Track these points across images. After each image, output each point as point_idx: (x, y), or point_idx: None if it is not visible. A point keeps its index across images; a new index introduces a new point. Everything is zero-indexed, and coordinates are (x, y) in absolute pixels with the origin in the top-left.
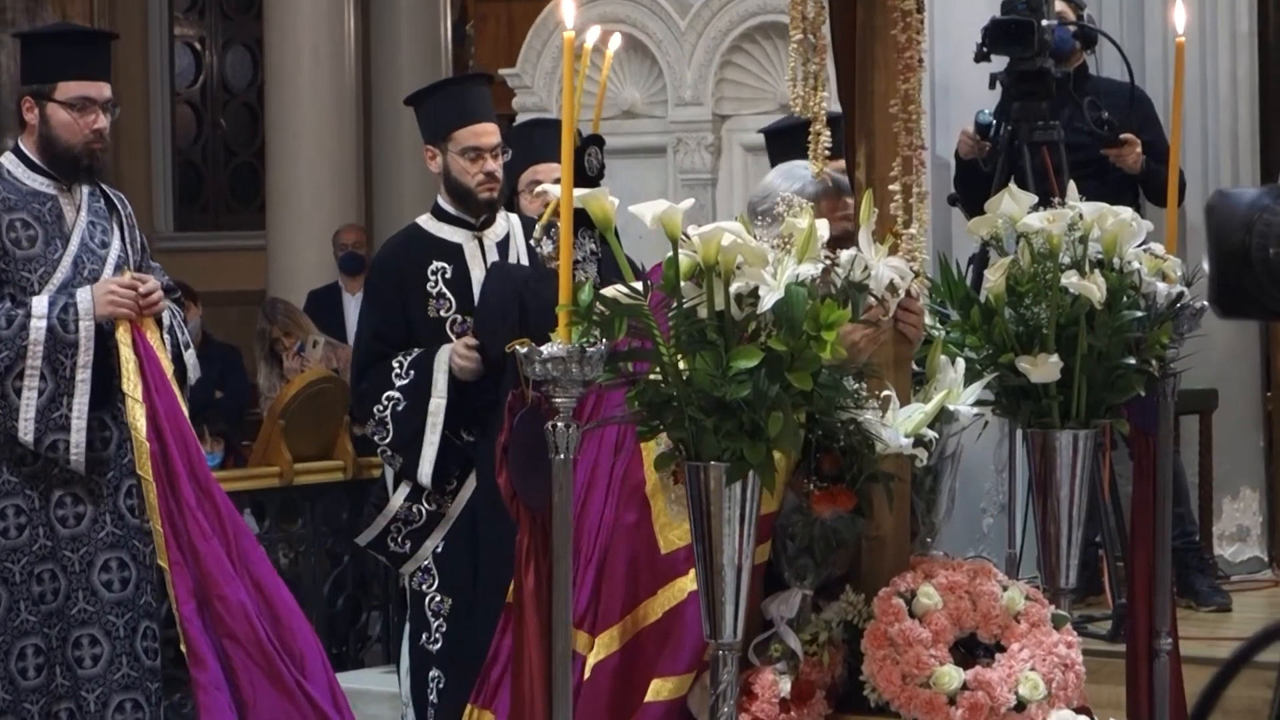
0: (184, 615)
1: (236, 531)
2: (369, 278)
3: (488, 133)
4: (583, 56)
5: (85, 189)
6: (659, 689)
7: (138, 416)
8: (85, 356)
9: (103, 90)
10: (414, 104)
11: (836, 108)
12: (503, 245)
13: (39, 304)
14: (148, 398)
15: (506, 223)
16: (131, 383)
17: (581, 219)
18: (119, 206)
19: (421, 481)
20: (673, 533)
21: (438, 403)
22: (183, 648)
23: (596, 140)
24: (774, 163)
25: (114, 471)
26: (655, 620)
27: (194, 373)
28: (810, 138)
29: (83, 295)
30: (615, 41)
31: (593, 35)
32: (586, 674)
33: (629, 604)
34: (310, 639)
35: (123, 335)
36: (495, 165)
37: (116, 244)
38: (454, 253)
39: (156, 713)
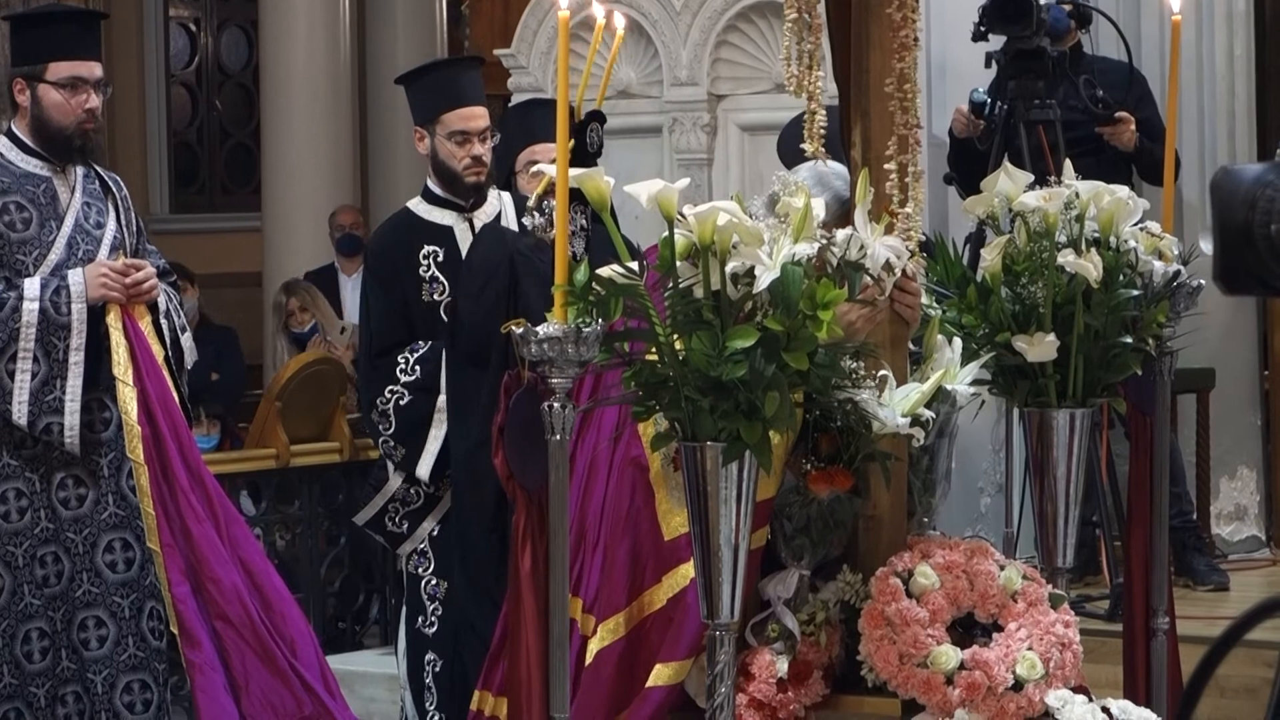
0: (177, 597)
1: (227, 517)
2: (368, 265)
3: (476, 116)
4: (594, 35)
5: (80, 170)
6: (659, 674)
7: (128, 400)
8: (78, 339)
9: (94, 70)
10: (404, 84)
11: (832, 87)
12: None
13: (31, 286)
14: (138, 382)
15: (498, 201)
16: (122, 367)
17: (573, 194)
18: (114, 188)
19: (420, 475)
20: (675, 519)
21: (445, 400)
22: (174, 629)
23: (598, 116)
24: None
25: (115, 453)
26: (660, 608)
27: (191, 355)
28: (806, 118)
29: (75, 277)
30: (620, 22)
31: (599, 13)
32: (589, 659)
33: (634, 591)
34: (300, 623)
35: (113, 320)
36: (483, 149)
37: (112, 225)
38: (445, 235)
39: (164, 692)
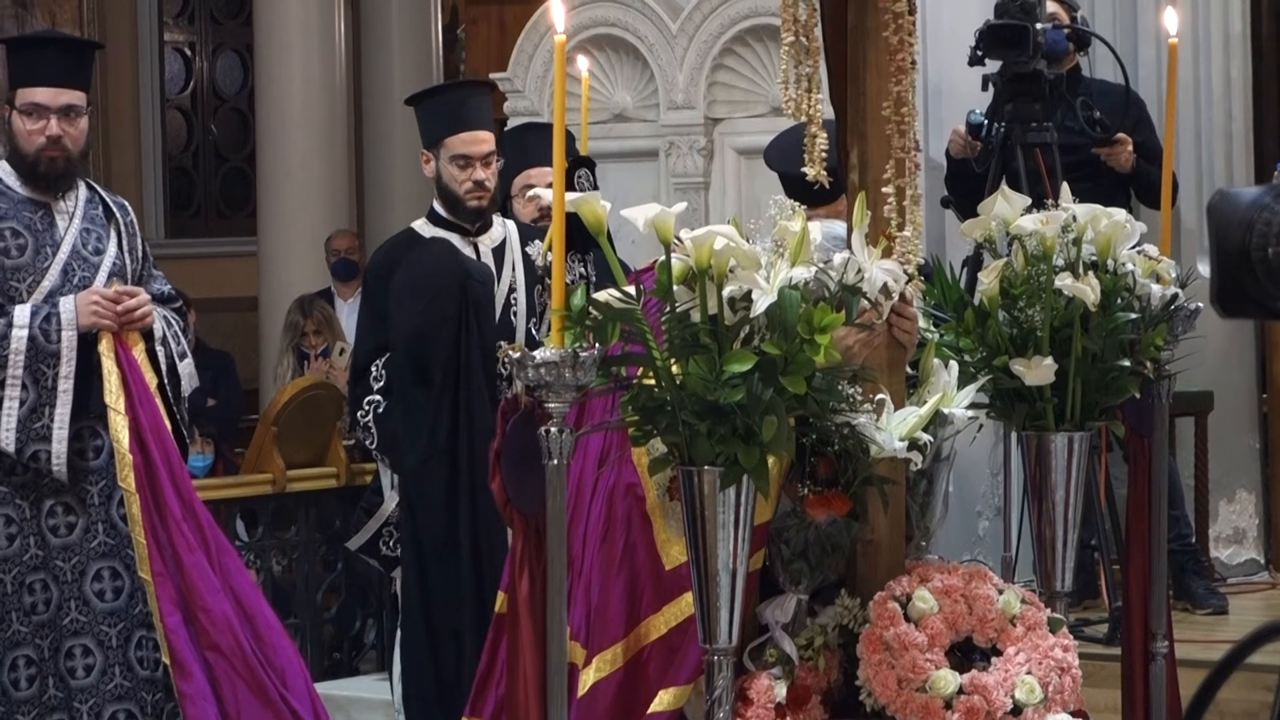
0: (169, 627)
1: (218, 546)
2: (366, 284)
3: (480, 141)
4: (583, 91)
5: (82, 195)
6: (662, 699)
7: (120, 429)
8: (67, 367)
9: (59, 96)
10: (413, 105)
11: (829, 110)
12: (499, 251)
13: (21, 313)
14: (130, 410)
15: (503, 228)
16: (114, 395)
17: (571, 242)
18: (118, 213)
19: None
20: (674, 549)
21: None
22: (166, 659)
23: (586, 163)
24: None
25: (105, 481)
26: (660, 636)
27: (190, 382)
28: (805, 141)
29: (65, 305)
30: (583, 65)
31: (583, 65)
32: (582, 690)
33: (631, 622)
34: (291, 654)
35: (105, 347)
36: (485, 174)
37: (112, 251)
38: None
39: None
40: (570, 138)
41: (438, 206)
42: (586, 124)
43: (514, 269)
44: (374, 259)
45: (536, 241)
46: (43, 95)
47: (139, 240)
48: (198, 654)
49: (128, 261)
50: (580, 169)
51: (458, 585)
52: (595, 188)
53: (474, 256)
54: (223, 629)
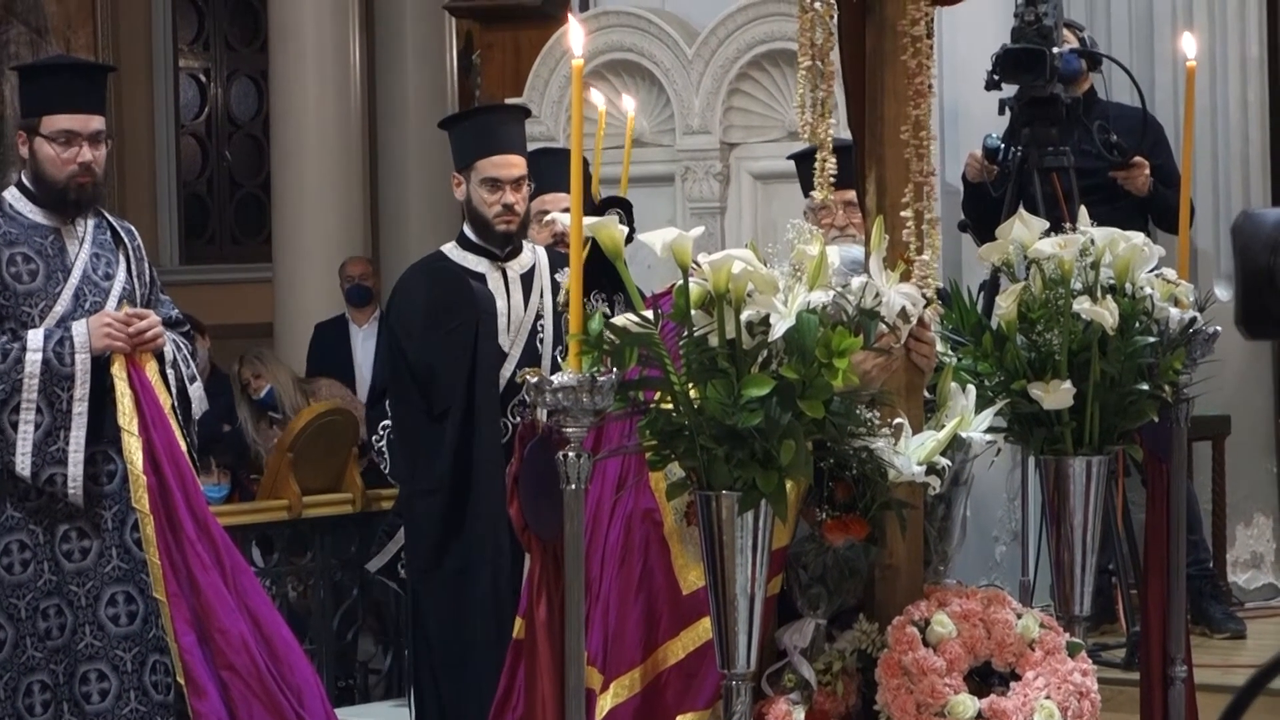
0: (183, 647)
1: (234, 566)
2: (387, 310)
3: (510, 165)
4: (599, 122)
5: (91, 221)
6: None
7: (134, 451)
8: (81, 390)
9: (89, 123)
10: (446, 128)
11: (846, 134)
12: (528, 277)
13: (34, 337)
14: (144, 432)
15: (533, 255)
16: (128, 417)
17: (591, 281)
18: (126, 238)
19: None
20: (692, 573)
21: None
22: (180, 679)
23: (622, 203)
24: (805, 187)
25: (119, 505)
26: (678, 661)
27: (200, 406)
28: (816, 164)
29: (78, 328)
30: (629, 105)
31: (599, 100)
32: (600, 716)
33: (649, 647)
34: (308, 673)
35: (119, 370)
36: (515, 198)
37: (121, 276)
38: (477, 281)
39: None
40: (586, 171)
41: (468, 230)
42: (629, 163)
43: (542, 295)
44: (397, 284)
45: (566, 270)
46: (73, 122)
47: (146, 265)
48: (213, 674)
49: (136, 286)
50: (613, 208)
51: (452, 611)
52: (632, 231)
53: (502, 282)
54: (238, 649)
